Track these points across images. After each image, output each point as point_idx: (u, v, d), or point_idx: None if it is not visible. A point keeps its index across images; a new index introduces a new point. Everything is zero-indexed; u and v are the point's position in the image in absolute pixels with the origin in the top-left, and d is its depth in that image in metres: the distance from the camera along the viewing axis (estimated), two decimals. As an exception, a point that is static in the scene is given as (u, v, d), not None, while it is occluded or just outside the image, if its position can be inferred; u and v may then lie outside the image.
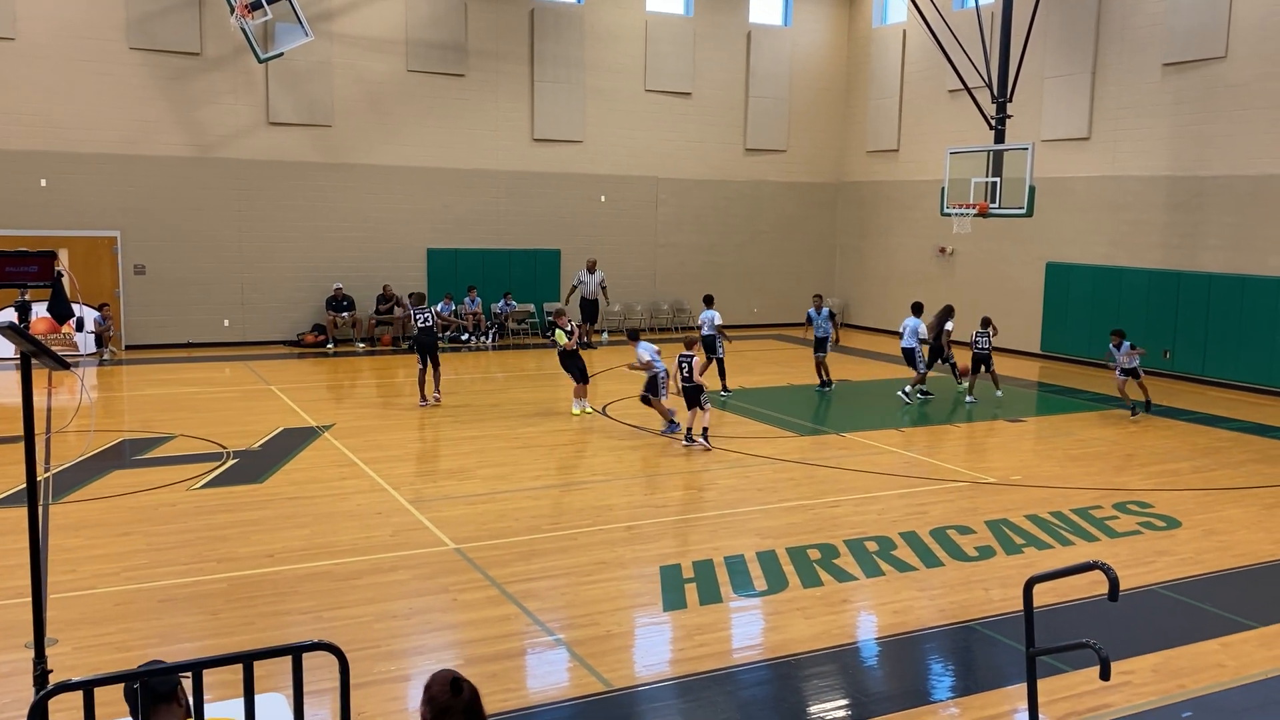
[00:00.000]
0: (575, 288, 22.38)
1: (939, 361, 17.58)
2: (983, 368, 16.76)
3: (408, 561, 8.59)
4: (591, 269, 22.35)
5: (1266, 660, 6.90)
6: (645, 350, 14.01)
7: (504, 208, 23.27)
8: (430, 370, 15.42)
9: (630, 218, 24.68)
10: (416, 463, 12.11)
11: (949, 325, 17.67)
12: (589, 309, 22.22)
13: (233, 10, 18.76)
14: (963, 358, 17.53)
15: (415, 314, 15.61)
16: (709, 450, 12.71)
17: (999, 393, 16.91)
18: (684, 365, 13.05)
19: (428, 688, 3.03)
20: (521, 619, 7.41)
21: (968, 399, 16.71)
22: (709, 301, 17.84)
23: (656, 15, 24.41)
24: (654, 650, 7.11)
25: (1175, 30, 18.69)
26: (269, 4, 18.77)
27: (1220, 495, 11.21)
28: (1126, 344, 15.47)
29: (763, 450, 12.94)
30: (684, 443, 12.98)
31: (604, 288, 22.63)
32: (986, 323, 16.91)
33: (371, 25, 21.65)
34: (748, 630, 7.47)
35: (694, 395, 12.94)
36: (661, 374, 13.73)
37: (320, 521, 9.64)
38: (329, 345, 21.15)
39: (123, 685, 3.40)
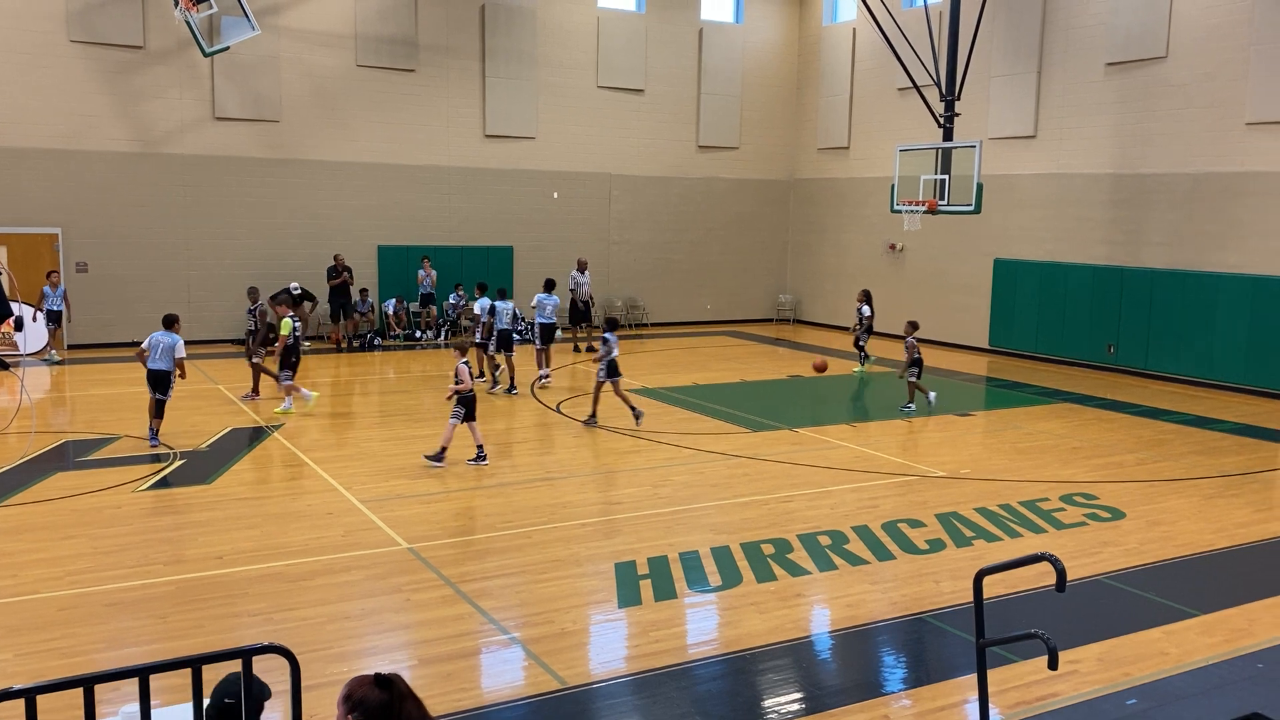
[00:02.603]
0: (573, 290, 21.43)
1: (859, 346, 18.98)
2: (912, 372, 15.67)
3: (360, 562, 8.51)
4: (583, 269, 21.60)
5: (1208, 647, 7.06)
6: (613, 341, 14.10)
7: (456, 204, 23.11)
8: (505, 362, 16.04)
9: (583, 214, 24.63)
10: (368, 461, 11.99)
11: (865, 310, 18.59)
12: (582, 310, 21.43)
13: (176, 3, 18.41)
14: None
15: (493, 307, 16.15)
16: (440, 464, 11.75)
17: (910, 406, 15.57)
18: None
19: (347, 699, 2.83)
20: (476, 618, 7.38)
21: (909, 406, 15.61)
22: (549, 286, 18.09)
23: (608, 11, 24.38)
24: (609, 647, 7.11)
25: (1117, 31, 19.05)
26: (214, -3, 18.46)
27: (1163, 487, 11.46)
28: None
29: (717, 446, 12.99)
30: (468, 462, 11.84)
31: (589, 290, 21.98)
32: (914, 326, 15.99)
33: (320, 19, 21.37)
34: (703, 625, 7.50)
35: (469, 403, 11.73)
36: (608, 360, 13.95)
37: (270, 522, 9.51)
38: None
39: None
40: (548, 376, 17.26)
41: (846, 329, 25.34)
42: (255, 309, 15.80)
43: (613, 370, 13.92)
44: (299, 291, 20.62)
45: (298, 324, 14.79)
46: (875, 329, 19.76)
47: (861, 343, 19.20)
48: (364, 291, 21.52)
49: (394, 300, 21.99)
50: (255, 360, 15.48)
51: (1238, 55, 17.26)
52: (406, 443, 13.00)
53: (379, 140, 22.16)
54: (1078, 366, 19.99)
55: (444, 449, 11.66)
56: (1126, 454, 13.05)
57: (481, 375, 16.61)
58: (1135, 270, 19.04)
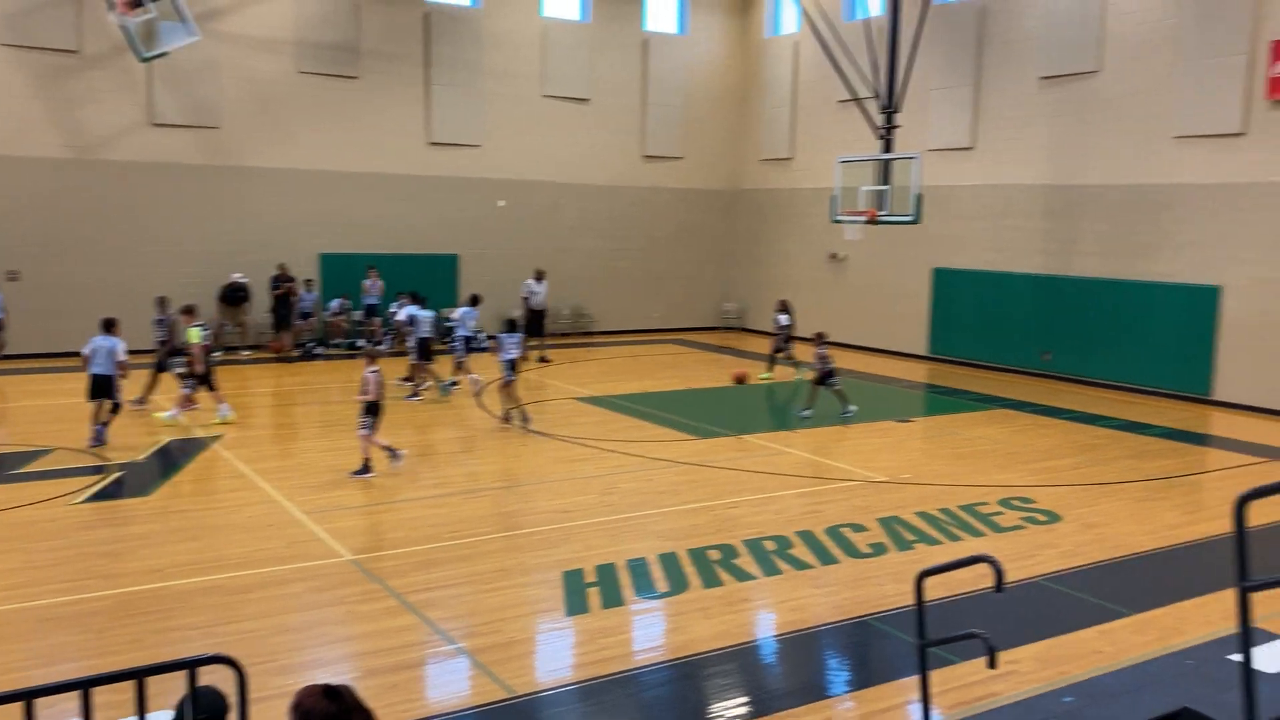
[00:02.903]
0: (526, 299, 21.21)
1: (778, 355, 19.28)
2: (822, 382, 15.65)
3: (302, 574, 8.41)
4: (540, 278, 21.32)
5: (1140, 645, 7.27)
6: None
7: (400, 211, 22.94)
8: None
9: (530, 223, 24.59)
10: (310, 473, 11.86)
11: (783, 319, 18.86)
12: (536, 320, 21.05)
13: (112, 7, 18.06)
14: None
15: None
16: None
17: (806, 411, 15.57)
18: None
19: (296, 708, 2.82)
20: (422, 628, 7.33)
21: (805, 412, 15.60)
22: (474, 301, 17.91)
23: (553, 21, 24.42)
24: (557, 655, 7.12)
25: (1051, 46, 19.54)
26: (152, 2, 18.13)
27: (1097, 490, 11.75)
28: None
29: (664, 453, 13.06)
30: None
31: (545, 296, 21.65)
32: (821, 338, 16.06)
33: (260, 25, 21.11)
34: (650, 632, 7.54)
35: (376, 412, 11.64)
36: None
37: (210, 535, 9.36)
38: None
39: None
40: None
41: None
42: (164, 319, 15.56)
43: (512, 368, 14.40)
44: (243, 280, 20.36)
45: (206, 331, 14.53)
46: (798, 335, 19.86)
47: (782, 351, 19.29)
48: (309, 282, 21.09)
49: (338, 300, 21.67)
50: (165, 371, 15.25)
51: (1165, 71, 17.80)
52: (349, 454, 12.84)
53: (321, 147, 21.94)
54: (1014, 373, 20.42)
55: (366, 461, 11.54)
56: (1062, 458, 13.36)
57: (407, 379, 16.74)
58: (1070, 279, 19.51)
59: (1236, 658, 3.80)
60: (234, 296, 20.71)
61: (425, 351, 16.43)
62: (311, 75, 21.65)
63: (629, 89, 25.58)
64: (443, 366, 17.25)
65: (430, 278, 23.19)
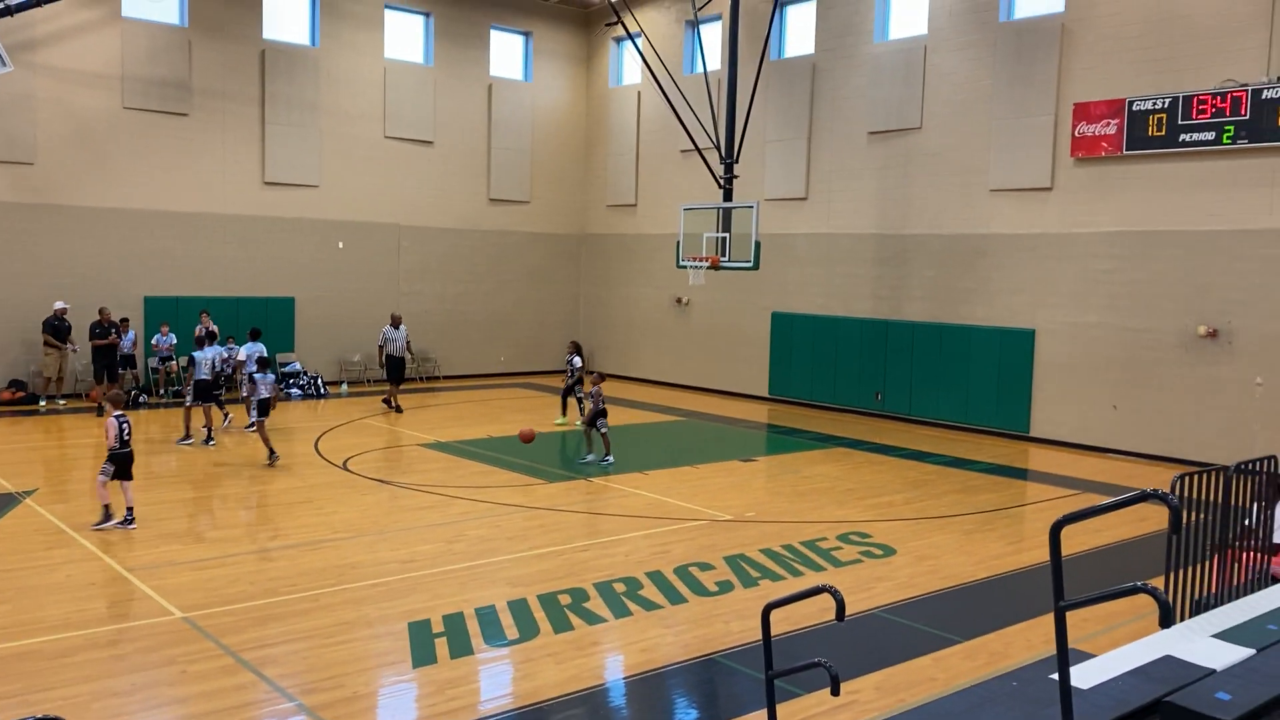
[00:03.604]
0: (382, 345, 20.37)
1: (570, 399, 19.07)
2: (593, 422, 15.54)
3: (129, 634, 7.92)
4: (396, 324, 20.51)
5: (971, 670, 7.64)
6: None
7: (232, 253, 22.11)
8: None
9: (371, 265, 24.13)
10: (137, 527, 11.19)
11: (576, 361, 18.78)
12: (396, 367, 20.31)
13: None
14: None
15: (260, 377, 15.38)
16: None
17: (588, 456, 15.49)
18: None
19: None
20: (259, 687, 7.01)
21: (589, 457, 15.53)
22: (255, 335, 18.03)
23: (396, 62, 24.22)
24: (402, 708, 6.93)
25: (878, 103, 20.67)
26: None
27: (929, 523, 12.32)
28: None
29: (513, 499, 12.95)
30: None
31: (409, 343, 20.82)
32: (600, 378, 16.03)
33: (83, 58, 20.11)
34: (499, 680, 7.43)
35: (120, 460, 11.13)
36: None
37: (24, 596, 8.70)
38: (40, 403, 19.21)
39: None
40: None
41: (637, 380, 25.95)
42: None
43: (263, 409, 14.78)
44: (64, 309, 19.01)
45: None
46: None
47: (572, 394, 19.03)
48: (125, 321, 19.48)
49: (166, 340, 20.16)
50: None
51: (981, 129, 19.09)
52: (176, 505, 12.24)
53: (148, 186, 20.97)
54: (849, 413, 21.25)
55: (106, 508, 10.98)
56: (895, 494, 13.96)
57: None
58: (898, 323, 20.51)
59: (1056, 677, 4.06)
60: (59, 330, 19.17)
61: (204, 394, 16.05)
62: (138, 111, 20.73)
63: (474, 132, 25.56)
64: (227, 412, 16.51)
65: (266, 321, 22.42)
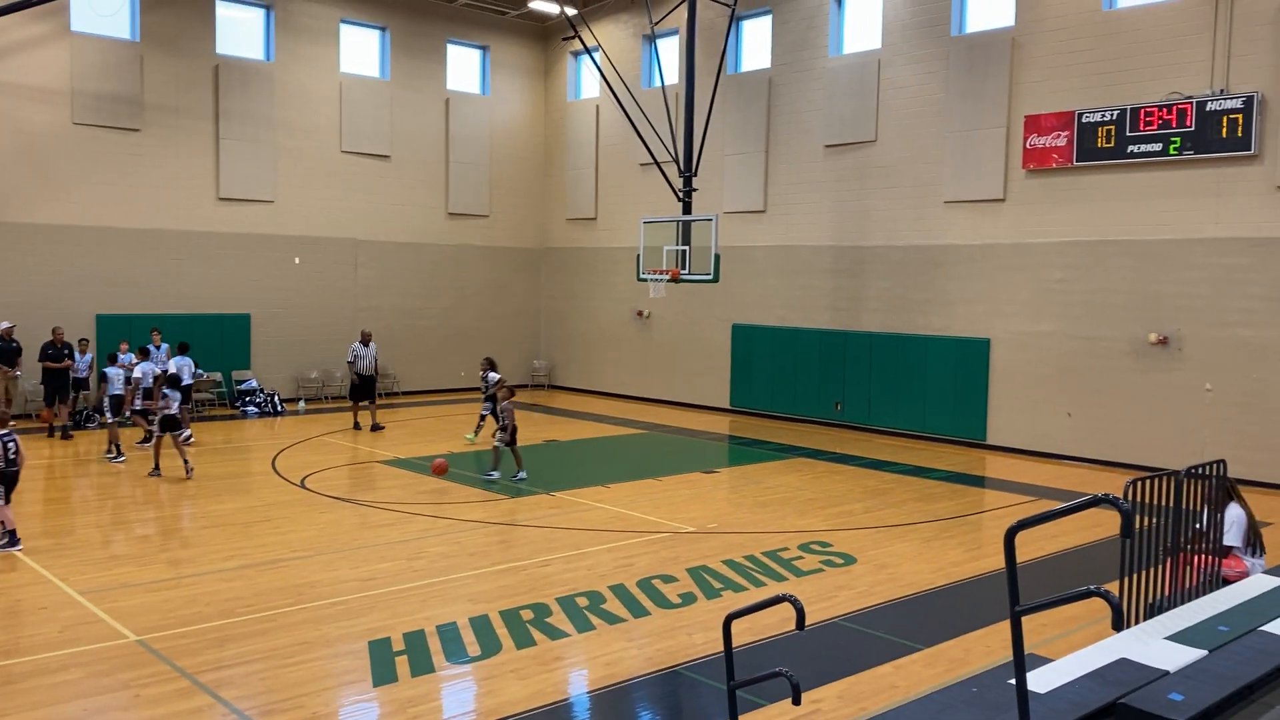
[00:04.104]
0: (352, 363, 19.77)
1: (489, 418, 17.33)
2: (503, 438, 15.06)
3: (81, 659, 7.76)
4: (366, 341, 19.76)
5: (932, 677, 7.70)
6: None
7: (187, 270, 21.82)
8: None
9: (328, 280, 23.93)
10: (88, 550, 10.99)
11: (493, 376, 17.88)
12: (367, 386, 19.65)
13: None
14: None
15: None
16: None
17: (493, 473, 15.07)
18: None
19: None
20: (216, 709, 6.90)
21: (494, 474, 15.10)
22: (183, 349, 18.38)
23: (351, 77, 24.09)
24: (364, 728, 6.85)
25: (833, 117, 20.89)
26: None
27: (888, 532, 12.42)
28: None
29: (474, 514, 12.87)
30: None
31: (377, 361, 20.22)
32: (511, 392, 15.49)
33: (31, 73, 19.78)
34: (460, 698, 7.37)
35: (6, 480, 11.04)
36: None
37: (-30, 623, 8.50)
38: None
39: None
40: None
41: (599, 393, 25.94)
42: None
43: (167, 425, 14.77)
44: (9, 328, 18.55)
45: None
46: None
47: (486, 410, 18.07)
48: (84, 341, 19.10)
49: (126, 358, 19.74)
50: None
51: (934, 142, 19.35)
52: (130, 527, 12.03)
53: (100, 203, 20.66)
54: (810, 423, 21.38)
55: (11, 532, 10.78)
56: (855, 503, 14.06)
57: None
58: (856, 334, 20.70)
59: (1014, 682, 4.11)
60: (6, 350, 18.71)
61: (119, 408, 16.11)
62: (89, 127, 20.43)
63: (432, 147, 25.47)
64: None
65: (221, 338, 22.18)
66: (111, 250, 20.87)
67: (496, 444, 15.09)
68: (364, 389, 19.72)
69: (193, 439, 17.30)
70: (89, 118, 20.41)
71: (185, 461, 14.79)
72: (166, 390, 14.98)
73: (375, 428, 19.48)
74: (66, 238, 20.33)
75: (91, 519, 12.58)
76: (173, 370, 16.94)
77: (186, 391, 17.07)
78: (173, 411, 14.89)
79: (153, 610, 8.93)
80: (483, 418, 18.37)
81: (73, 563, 10.37)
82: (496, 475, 15.03)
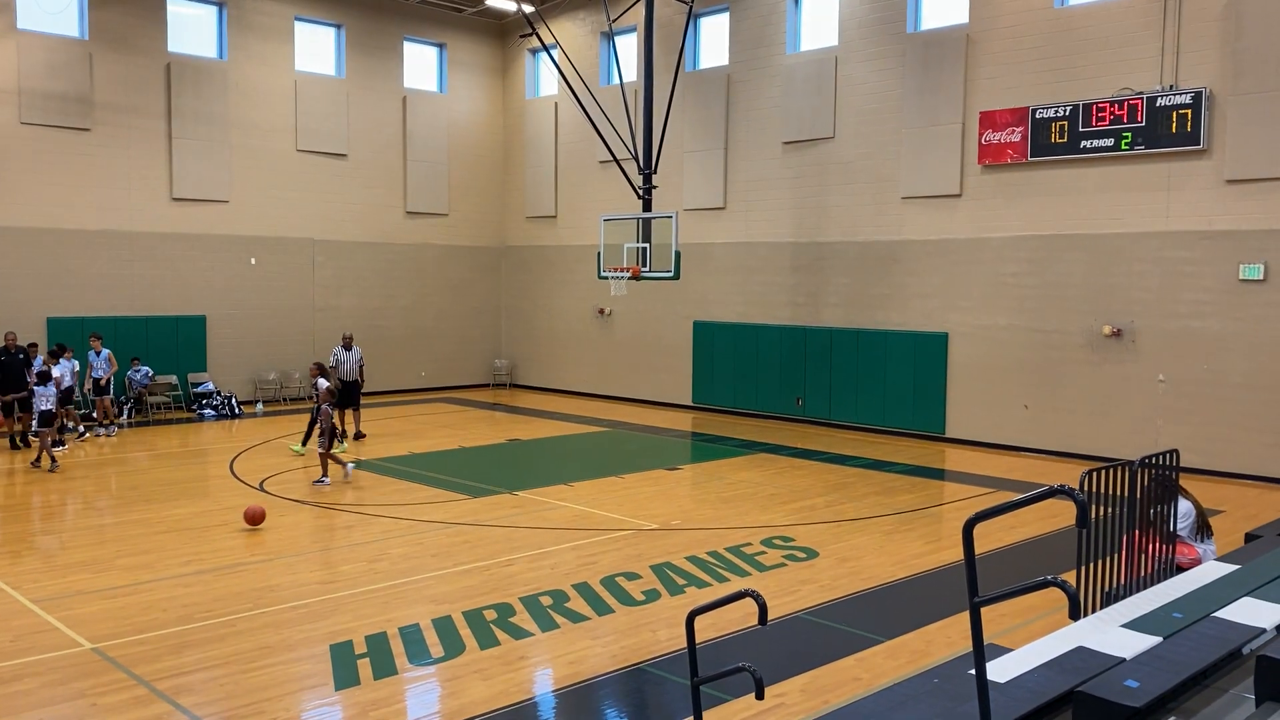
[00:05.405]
0: (334, 367, 18.90)
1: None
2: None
3: (34, 668, 7.61)
4: (348, 345, 19.10)
5: (893, 669, 7.77)
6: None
7: (139, 271, 21.48)
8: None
9: (285, 280, 23.66)
10: (40, 557, 10.78)
11: (323, 383, 15.60)
12: (350, 391, 18.80)
13: None
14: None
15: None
16: None
17: (325, 479, 14.60)
18: None
19: None
20: (176, 717, 6.80)
21: (325, 480, 14.64)
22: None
23: (306, 75, 23.82)
24: (326, 732, 6.79)
25: (791, 114, 20.99)
26: None
27: (849, 526, 12.51)
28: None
29: (436, 515, 12.79)
30: None
31: (362, 366, 19.25)
32: (332, 394, 15.23)
33: (-25, 70, 19.38)
34: (424, 699, 7.33)
35: None
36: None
37: (-82, 634, 8.31)
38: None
39: None
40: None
41: (561, 392, 25.89)
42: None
43: (43, 421, 15.42)
44: None
45: None
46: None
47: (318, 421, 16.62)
48: (33, 345, 18.57)
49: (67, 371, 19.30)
50: None
51: (891, 138, 19.51)
52: (83, 534, 11.82)
53: (48, 203, 20.26)
54: (771, 419, 21.49)
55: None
56: (817, 497, 14.15)
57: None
58: (816, 330, 20.82)
59: (974, 672, 4.15)
60: None
61: (45, 418, 15.97)
62: (36, 127, 20.03)
63: (389, 145, 25.27)
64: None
65: (177, 340, 21.87)
66: (62, 252, 20.50)
67: (319, 451, 14.62)
68: (346, 396, 18.78)
69: (67, 449, 17.21)
70: (37, 117, 20.02)
71: (51, 457, 15.56)
72: (36, 386, 15.65)
73: (358, 436, 18.71)
74: (15, 239, 19.94)
75: (46, 526, 12.34)
76: (50, 371, 16.58)
77: (67, 394, 17.67)
78: (45, 407, 15.51)
79: (109, 617, 8.78)
80: (311, 426, 16.79)
81: (25, 570, 10.17)
82: (328, 481, 14.50)
